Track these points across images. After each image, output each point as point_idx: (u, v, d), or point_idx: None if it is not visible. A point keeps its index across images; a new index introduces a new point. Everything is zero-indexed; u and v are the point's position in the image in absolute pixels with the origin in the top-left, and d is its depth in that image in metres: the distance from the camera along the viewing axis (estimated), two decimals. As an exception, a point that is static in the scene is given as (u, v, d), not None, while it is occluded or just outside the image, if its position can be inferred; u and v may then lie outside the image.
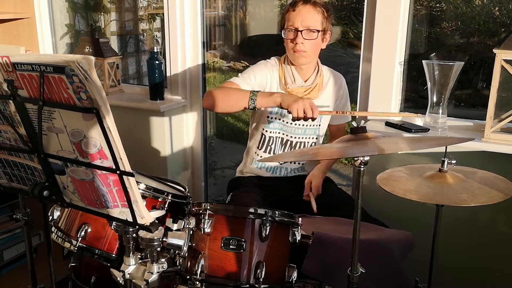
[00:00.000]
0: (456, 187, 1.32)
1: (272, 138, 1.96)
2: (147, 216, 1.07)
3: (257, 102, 1.71)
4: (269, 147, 1.97)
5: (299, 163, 2.00)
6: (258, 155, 1.99)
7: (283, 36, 1.85)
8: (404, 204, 1.80)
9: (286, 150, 1.97)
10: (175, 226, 1.32)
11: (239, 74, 1.90)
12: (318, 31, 1.81)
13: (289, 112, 1.67)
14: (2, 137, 1.14)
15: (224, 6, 4.97)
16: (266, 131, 1.96)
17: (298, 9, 1.80)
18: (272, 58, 1.98)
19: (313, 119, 1.66)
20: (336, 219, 1.70)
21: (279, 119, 1.92)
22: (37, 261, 1.64)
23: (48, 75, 0.93)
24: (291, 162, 1.99)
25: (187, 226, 1.33)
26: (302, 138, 1.96)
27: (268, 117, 1.93)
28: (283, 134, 1.95)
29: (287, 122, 1.92)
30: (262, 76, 1.89)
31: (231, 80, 1.86)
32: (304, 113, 1.64)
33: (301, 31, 1.79)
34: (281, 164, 1.99)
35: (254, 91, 1.74)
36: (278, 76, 1.91)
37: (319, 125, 1.98)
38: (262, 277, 1.27)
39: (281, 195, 1.92)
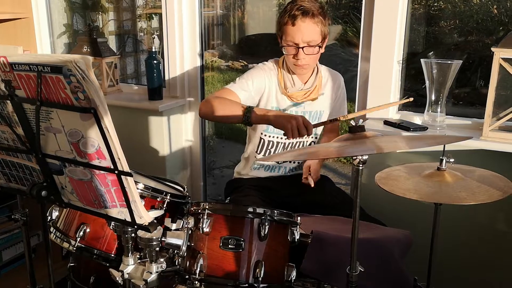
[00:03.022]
0: (455, 185, 1.32)
1: (271, 142, 1.95)
2: (145, 215, 1.07)
3: (251, 120, 1.69)
4: (268, 151, 1.96)
5: (298, 162, 2.00)
6: (257, 158, 1.98)
7: (283, 51, 1.81)
8: (402, 203, 1.80)
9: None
10: (174, 226, 1.32)
11: (237, 79, 1.87)
12: (319, 46, 1.79)
13: (284, 134, 1.64)
14: (0, 137, 1.14)
15: (222, 5, 4.97)
16: (265, 135, 1.95)
17: (298, 25, 1.74)
18: (269, 61, 1.95)
19: (308, 135, 1.64)
20: (335, 218, 1.70)
21: None
22: (36, 261, 1.64)
23: (45, 75, 0.93)
24: (289, 162, 1.99)
25: (186, 225, 1.33)
26: (301, 138, 1.95)
27: None
28: (282, 138, 1.94)
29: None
30: (260, 81, 1.86)
31: (227, 87, 1.83)
32: (299, 131, 1.62)
33: (302, 47, 1.76)
34: (279, 163, 1.98)
35: (249, 107, 1.71)
36: (276, 80, 1.89)
37: None
38: (261, 276, 1.27)
39: (279, 195, 1.92)
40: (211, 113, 1.75)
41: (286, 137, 1.63)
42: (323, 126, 2.03)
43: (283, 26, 1.78)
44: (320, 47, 1.80)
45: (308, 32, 1.75)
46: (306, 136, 1.64)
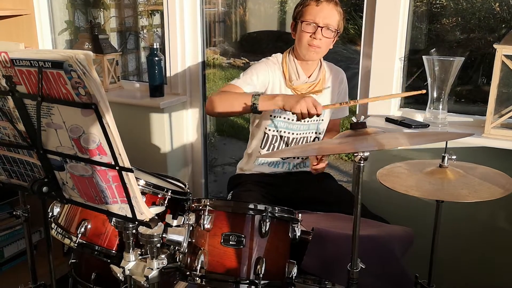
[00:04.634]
0: (457, 182, 1.32)
1: (275, 136, 1.95)
2: (146, 212, 1.07)
3: (259, 106, 1.71)
4: (272, 146, 1.97)
5: (301, 158, 2.00)
6: (260, 154, 1.98)
7: (300, 28, 1.82)
8: (404, 200, 1.80)
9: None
10: (175, 222, 1.32)
11: (241, 74, 1.88)
12: (336, 31, 1.83)
13: (293, 113, 1.67)
14: (1, 133, 1.14)
15: (224, 3, 4.96)
16: (269, 130, 1.95)
17: (322, 5, 1.79)
18: (273, 55, 1.96)
19: (317, 115, 1.67)
20: (336, 215, 1.70)
21: (282, 118, 1.92)
22: (37, 257, 1.64)
23: (46, 70, 0.93)
24: (293, 157, 1.99)
25: (187, 222, 1.33)
26: (305, 133, 1.96)
27: (271, 116, 1.92)
28: (286, 132, 1.94)
29: (290, 119, 1.91)
30: (264, 75, 1.87)
31: (232, 83, 1.85)
32: (308, 111, 1.64)
33: (322, 27, 1.79)
34: (283, 159, 1.98)
35: (256, 94, 1.73)
36: (280, 74, 1.90)
37: (322, 120, 1.97)
38: (262, 273, 1.27)
39: (281, 192, 1.92)
40: (218, 108, 1.77)
41: (296, 119, 1.67)
42: (328, 121, 2.03)
43: (304, 7, 1.82)
44: (337, 32, 1.83)
45: (330, 14, 1.80)
46: (316, 116, 1.67)
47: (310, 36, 1.81)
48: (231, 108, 1.76)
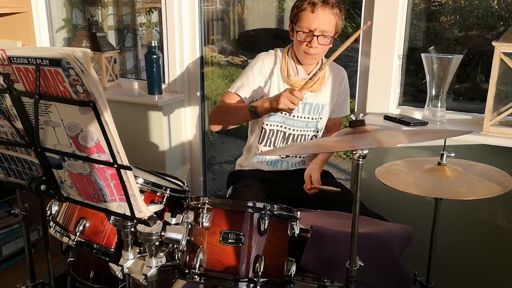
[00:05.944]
0: (455, 180, 1.32)
1: (272, 131, 1.95)
2: (145, 210, 1.07)
3: (259, 113, 1.78)
4: (269, 140, 1.96)
5: (300, 157, 2.00)
6: (258, 149, 1.98)
7: (296, 37, 1.81)
8: (402, 198, 1.80)
9: (287, 144, 1.97)
10: (173, 220, 1.31)
11: (237, 79, 1.91)
12: (333, 38, 1.81)
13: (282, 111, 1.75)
14: (-2, 131, 1.13)
15: (222, 1, 4.95)
16: (267, 124, 1.95)
17: (317, 12, 1.76)
18: (274, 49, 1.96)
19: (301, 99, 1.69)
20: (335, 213, 1.70)
21: (279, 112, 1.91)
22: (35, 256, 1.64)
23: (44, 68, 0.92)
24: (292, 156, 1.99)
25: (186, 220, 1.33)
26: (303, 131, 1.96)
27: None
28: (284, 127, 1.94)
29: (287, 114, 1.91)
30: (261, 74, 1.89)
31: (230, 90, 1.91)
32: (291, 101, 1.68)
33: (317, 36, 1.77)
34: (282, 158, 1.98)
35: (252, 105, 1.78)
36: (279, 70, 1.90)
37: (320, 118, 1.97)
38: (261, 271, 1.27)
39: (281, 188, 1.92)
40: (220, 125, 1.91)
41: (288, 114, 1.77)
42: (326, 119, 2.02)
43: (300, 12, 1.80)
44: (333, 38, 1.82)
45: (325, 21, 1.77)
46: (300, 101, 1.71)
47: (306, 45, 1.80)
48: (233, 122, 1.90)
